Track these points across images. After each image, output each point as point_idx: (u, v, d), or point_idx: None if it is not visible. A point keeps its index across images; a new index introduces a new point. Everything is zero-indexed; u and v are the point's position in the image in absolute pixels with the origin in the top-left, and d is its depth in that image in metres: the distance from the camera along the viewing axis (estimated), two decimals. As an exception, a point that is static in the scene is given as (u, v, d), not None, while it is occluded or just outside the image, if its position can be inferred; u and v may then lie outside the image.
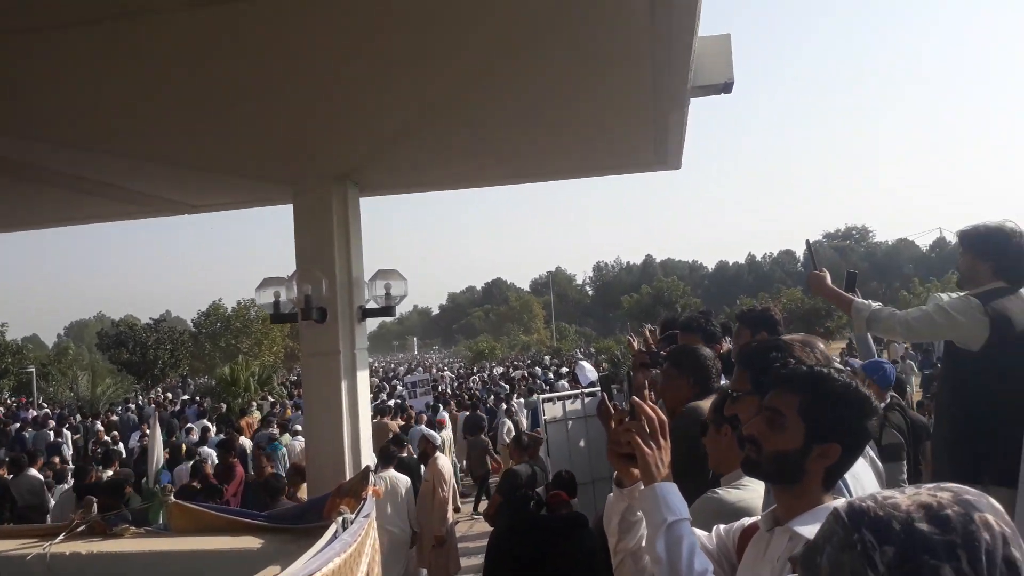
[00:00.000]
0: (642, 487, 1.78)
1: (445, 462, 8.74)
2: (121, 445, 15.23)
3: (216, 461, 10.28)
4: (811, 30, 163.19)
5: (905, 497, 1.05)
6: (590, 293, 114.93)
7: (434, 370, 40.44)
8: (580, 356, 39.43)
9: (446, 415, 15.72)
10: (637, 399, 1.85)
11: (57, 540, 3.50)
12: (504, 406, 17.23)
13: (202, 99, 3.72)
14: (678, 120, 4.78)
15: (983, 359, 3.38)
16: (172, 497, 3.66)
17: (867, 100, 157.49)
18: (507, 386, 23.98)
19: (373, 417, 13.68)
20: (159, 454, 6.00)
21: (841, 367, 1.89)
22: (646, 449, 1.79)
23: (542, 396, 10.20)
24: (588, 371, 13.24)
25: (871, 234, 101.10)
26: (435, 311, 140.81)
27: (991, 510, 1.04)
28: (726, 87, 4.53)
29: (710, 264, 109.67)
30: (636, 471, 1.83)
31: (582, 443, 8.33)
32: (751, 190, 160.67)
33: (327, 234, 4.93)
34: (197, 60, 3.24)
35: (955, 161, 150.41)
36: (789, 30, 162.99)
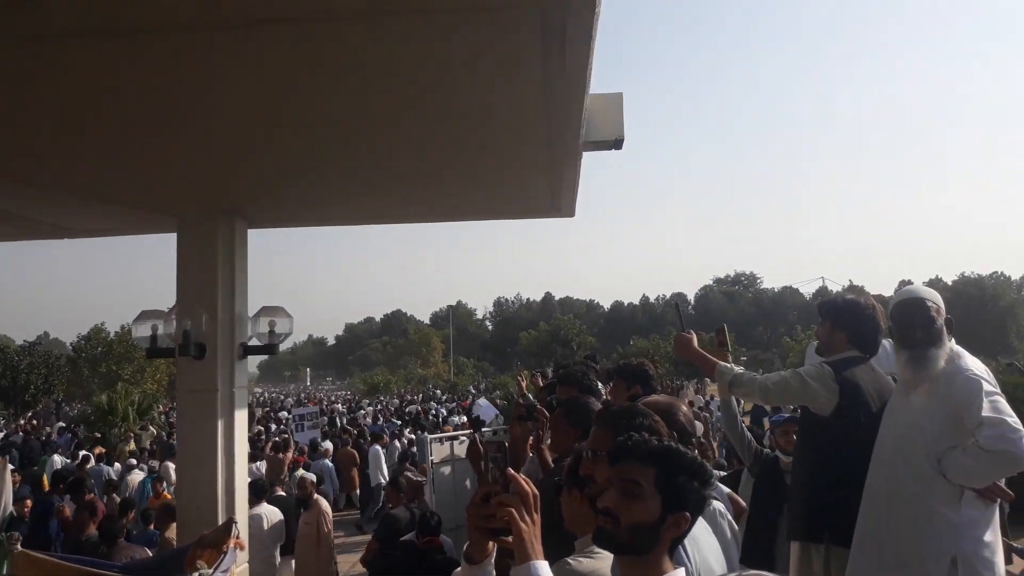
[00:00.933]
0: (514, 565, 1.73)
1: (326, 503, 8.55)
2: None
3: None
4: (704, 85, 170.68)
5: None
6: (490, 328, 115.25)
7: (324, 402, 39.51)
8: (472, 390, 39.33)
9: (329, 446, 15.43)
10: (513, 472, 1.79)
11: None
12: (397, 444, 16.94)
13: (88, 126, 3.59)
14: (571, 172, 4.90)
15: (832, 424, 3.54)
16: (19, 546, 3.41)
17: (754, 154, 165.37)
18: (399, 421, 23.65)
19: (268, 452, 13.25)
20: (8, 497, 5.59)
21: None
22: (522, 525, 1.72)
23: (430, 436, 10.09)
24: (486, 408, 13.20)
25: (759, 281, 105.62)
26: (331, 341, 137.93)
27: None
28: (617, 143, 4.68)
29: (606, 304, 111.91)
30: (490, 546, 1.80)
31: (468, 484, 8.27)
32: (646, 234, 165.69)
33: (211, 268, 4.79)
34: (84, 87, 3.12)
35: (838, 215, 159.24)
36: (680, 84, 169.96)
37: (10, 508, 6.18)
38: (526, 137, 4.19)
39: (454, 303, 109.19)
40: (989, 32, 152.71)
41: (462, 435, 9.48)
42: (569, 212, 6.13)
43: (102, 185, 4.58)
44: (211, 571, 2.98)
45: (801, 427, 3.93)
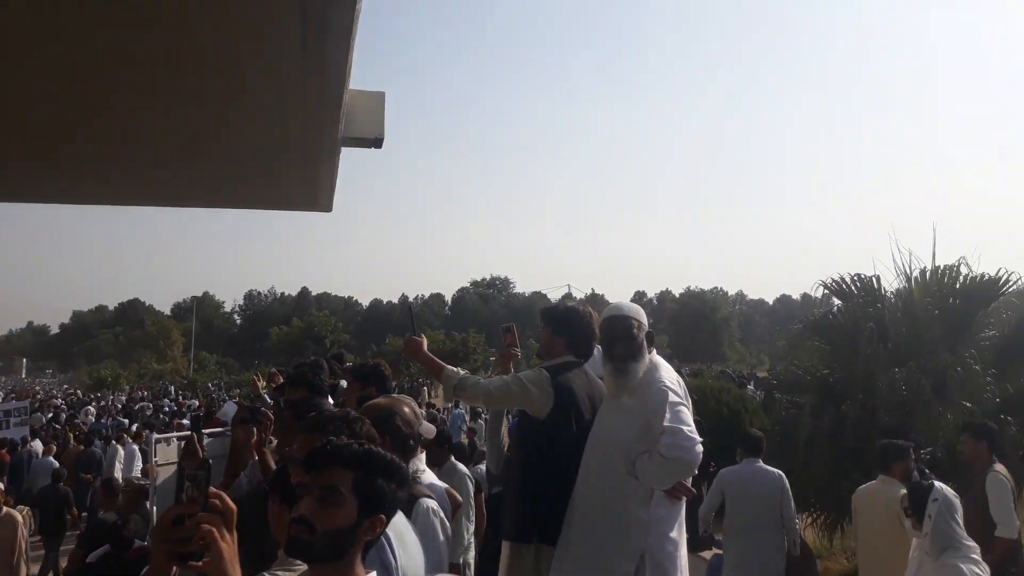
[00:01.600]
0: None
1: (18, 515, 7.64)
2: None
3: None
4: (467, 88, 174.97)
5: None
6: (238, 322, 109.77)
7: (40, 396, 35.48)
8: (211, 387, 37.25)
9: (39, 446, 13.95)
10: (216, 490, 1.65)
11: None
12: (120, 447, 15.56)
13: None
14: (329, 168, 4.82)
15: (546, 427, 3.70)
16: None
17: (507, 162, 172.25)
18: (126, 419, 21.85)
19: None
20: None
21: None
22: (222, 545, 1.59)
23: (156, 436, 9.41)
24: (231, 411, 12.52)
25: (512, 285, 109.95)
26: (54, 330, 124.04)
27: None
28: (376, 142, 4.67)
29: (365, 301, 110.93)
30: (170, 572, 1.65)
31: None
32: (408, 234, 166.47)
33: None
34: None
35: (584, 228, 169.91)
36: (446, 85, 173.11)
37: None
38: (282, 129, 4.06)
39: (199, 294, 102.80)
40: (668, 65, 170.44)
41: (209, 431, 8.93)
42: (327, 207, 6.01)
43: None
44: None
45: (517, 430, 4.11)
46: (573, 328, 3.90)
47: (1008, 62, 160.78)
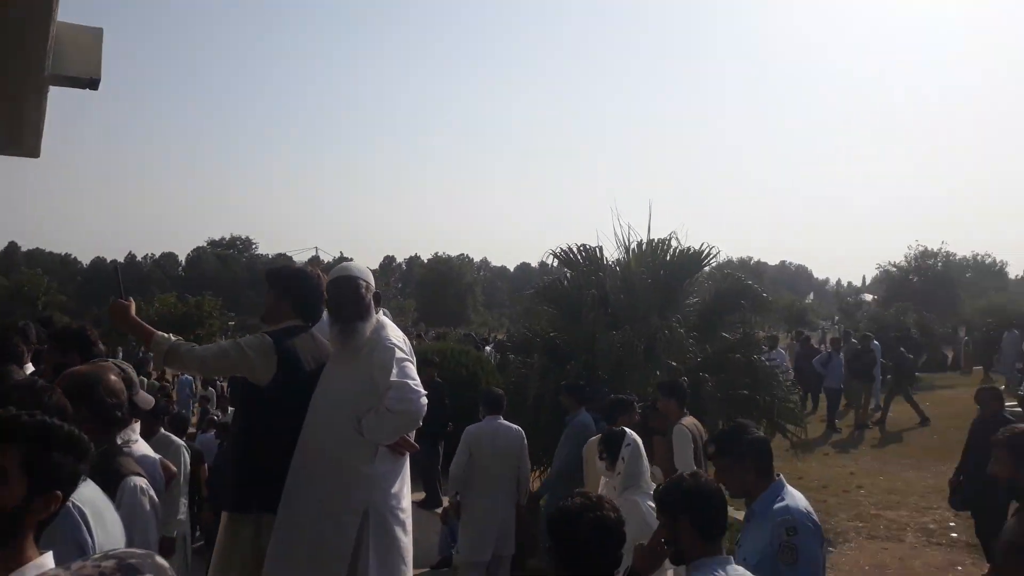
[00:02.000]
0: None
1: None
2: None
3: None
4: (187, 28, 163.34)
5: (88, 565, 1.10)
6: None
7: None
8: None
9: None
10: None
11: None
12: None
13: None
14: (34, 107, 4.36)
15: (268, 394, 3.59)
16: None
17: (249, 113, 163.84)
18: None
19: None
20: None
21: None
22: None
23: None
24: None
25: (255, 246, 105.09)
26: None
27: (153, 569, 1.15)
28: (92, 83, 4.26)
29: (86, 259, 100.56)
30: None
31: None
32: (136, 189, 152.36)
33: None
34: None
35: (336, 188, 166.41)
36: (164, 26, 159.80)
37: None
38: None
39: None
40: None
41: None
42: (33, 152, 5.45)
43: None
44: None
45: (235, 398, 3.98)
46: (300, 291, 3.79)
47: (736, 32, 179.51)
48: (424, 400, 3.45)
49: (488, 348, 17.78)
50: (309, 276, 3.87)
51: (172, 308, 39.99)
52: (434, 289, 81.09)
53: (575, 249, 9.65)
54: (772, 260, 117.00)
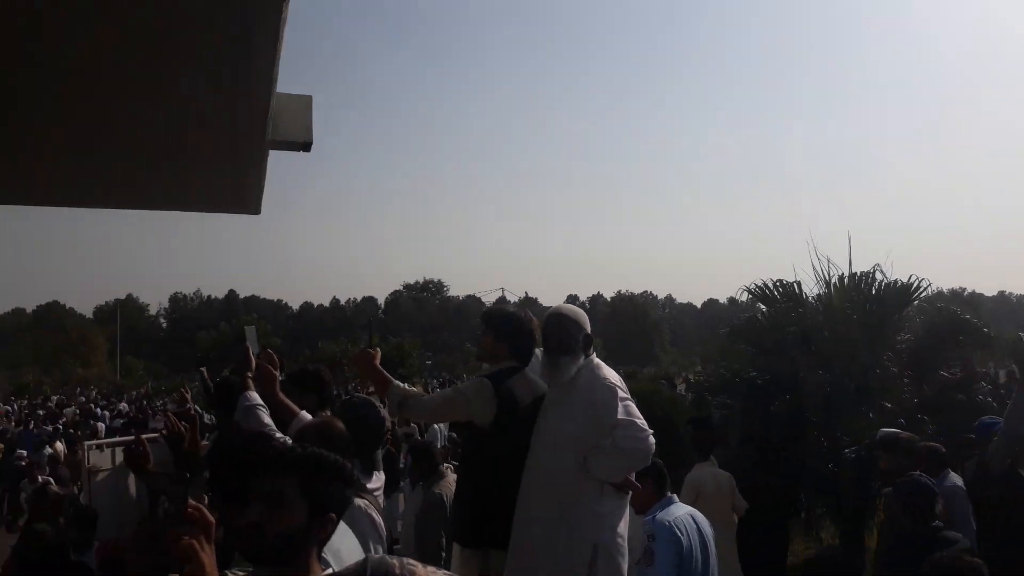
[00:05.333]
0: None
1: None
2: None
3: None
4: (399, 89, 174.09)
5: (420, 569, 1.22)
6: (164, 326, 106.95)
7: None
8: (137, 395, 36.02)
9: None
10: (195, 504, 1.70)
11: None
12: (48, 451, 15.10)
13: None
14: (257, 171, 4.77)
15: (491, 434, 3.77)
16: None
17: (439, 163, 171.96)
18: (49, 427, 21.06)
19: None
20: None
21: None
22: (204, 557, 1.64)
23: (88, 442, 9.14)
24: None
25: (446, 289, 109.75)
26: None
27: None
28: (305, 146, 4.64)
29: (295, 304, 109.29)
30: None
31: (134, 496, 7.61)
32: (339, 237, 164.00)
33: None
34: None
35: (516, 231, 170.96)
36: (377, 88, 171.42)
37: None
38: (209, 132, 4.01)
39: (123, 296, 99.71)
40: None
41: (126, 440, 8.68)
42: (255, 210, 5.94)
43: None
44: None
45: (463, 438, 4.19)
46: (515, 333, 3.97)
47: (917, 68, 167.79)
48: (652, 439, 3.57)
49: (679, 388, 17.36)
50: (523, 320, 4.05)
51: (383, 347, 42.37)
52: (619, 328, 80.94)
53: (771, 284, 9.26)
54: (989, 291, 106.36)
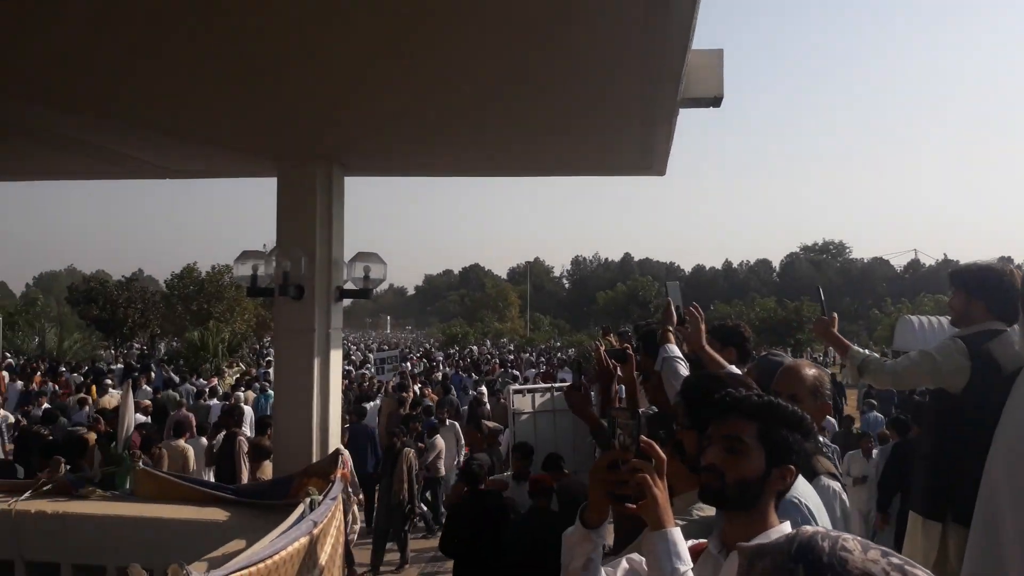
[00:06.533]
0: (649, 531, 1.73)
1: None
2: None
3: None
4: (801, 47, 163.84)
5: (858, 555, 1.07)
6: (567, 286, 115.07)
7: (406, 349, 40.33)
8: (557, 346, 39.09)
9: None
10: (647, 439, 1.76)
11: (23, 497, 3.52)
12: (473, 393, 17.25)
13: (191, 70, 3.73)
14: (665, 130, 4.85)
15: (962, 400, 3.39)
16: (141, 463, 3.68)
17: (849, 118, 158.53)
18: (475, 376, 23.92)
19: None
20: (130, 418, 5.95)
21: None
22: (656, 492, 1.70)
23: (512, 387, 10.26)
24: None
25: (848, 250, 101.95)
26: (410, 291, 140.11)
27: None
28: (716, 101, 4.61)
29: (687, 267, 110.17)
30: (605, 511, 1.79)
31: (550, 437, 8.40)
32: (732, 198, 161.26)
33: (310, 212, 4.94)
34: (188, 32, 3.25)
35: (934, 185, 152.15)
36: (778, 44, 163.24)
37: (133, 426, 6.59)
38: (623, 92, 4.17)
39: (532, 259, 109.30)
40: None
41: (544, 387, 9.59)
42: (660, 171, 6.08)
43: (205, 127, 4.75)
44: (321, 497, 3.12)
45: (930, 401, 3.83)
46: (996, 290, 3.49)
47: None
48: None
49: None
50: (1002, 272, 3.54)
51: (772, 313, 41.14)
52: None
53: None
54: None
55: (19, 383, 17.52)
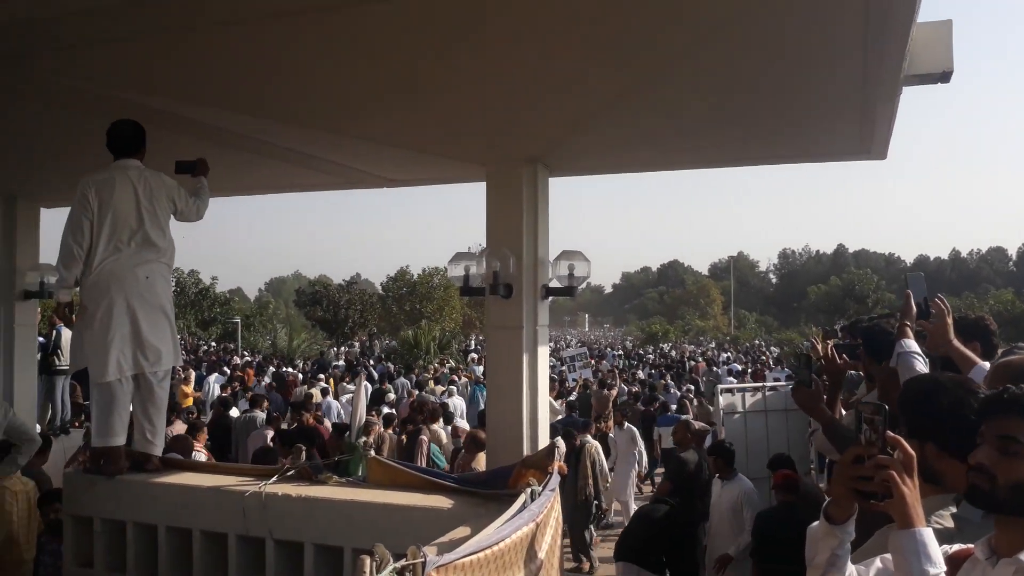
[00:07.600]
0: (896, 530, 1.66)
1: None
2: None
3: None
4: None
5: None
6: (774, 281, 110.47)
7: (602, 347, 40.55)
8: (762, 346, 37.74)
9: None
10: (894, 434, 1.69)
11: (271, 481, 3.93)
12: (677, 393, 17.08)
13: (405, 85, 3.97)
14: (887, 110, 4.52)
15: None
16: (373, 452, 3.96)
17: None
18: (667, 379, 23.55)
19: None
20: (362, 410, 6.45)
21: None
22: (905, 489, 1.63)
23: (720, 386, 10.04)
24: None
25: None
26: (608, 290, 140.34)
27: None
28: (944, 76, 4.22)
29: (908, 258, 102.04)
30: (850, 506, 1.73)
31: (761, 436, 8.15)
32: (958, 182, 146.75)
33: (516, 213, 5.08)
34: (401, 49, 3.48)
35: None
36: (1014, 13, 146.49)
37: (365, 418, 7.07)
38: (839, 72, 3.94)
39: (734, 254, 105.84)
40: None
41: (754, 386, 9.30)
42: (880, 155, 5.68)
43: (418, 138, 5.05)
44: (540, 488, 3.23)
45: None
46: None
47: None
48: None
49: None
50: None
51: (1009, 306, 37.22)
52: None
53: None
54: None
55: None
